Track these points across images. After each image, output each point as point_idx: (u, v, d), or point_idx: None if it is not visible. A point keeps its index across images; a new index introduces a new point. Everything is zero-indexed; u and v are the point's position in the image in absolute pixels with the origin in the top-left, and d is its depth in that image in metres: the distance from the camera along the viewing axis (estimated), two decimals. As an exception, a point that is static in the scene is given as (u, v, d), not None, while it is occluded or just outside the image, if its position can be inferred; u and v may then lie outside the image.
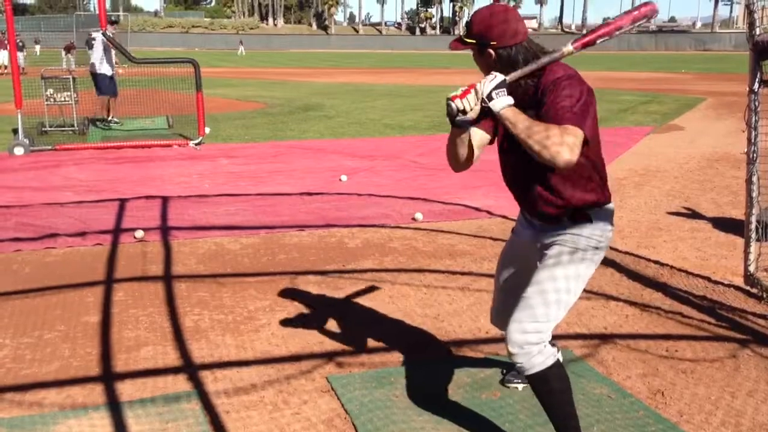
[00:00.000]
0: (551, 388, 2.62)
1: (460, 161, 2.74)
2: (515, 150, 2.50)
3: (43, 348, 3.80)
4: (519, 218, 2.95)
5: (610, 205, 2.71)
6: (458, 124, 2.55)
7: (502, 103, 2.40)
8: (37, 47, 33.83)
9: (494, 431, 2.99)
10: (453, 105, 2.44)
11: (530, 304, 2.60)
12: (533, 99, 2.50)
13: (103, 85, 12.67)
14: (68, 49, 23.53)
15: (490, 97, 2.40)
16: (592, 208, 2.63)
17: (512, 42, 2.55)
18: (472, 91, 2.43)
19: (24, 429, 2.99)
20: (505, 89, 2.42)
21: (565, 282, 2.61)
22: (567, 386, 2.64)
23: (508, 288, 2.97)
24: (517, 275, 2.90)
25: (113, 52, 12.42)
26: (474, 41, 2.60)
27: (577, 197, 2.60)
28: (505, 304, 2.92)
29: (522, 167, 2.61)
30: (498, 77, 2.43)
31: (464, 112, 2.45)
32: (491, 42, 2.55)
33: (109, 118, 13.00)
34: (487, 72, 2.57)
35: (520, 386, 3.34)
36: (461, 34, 2.69)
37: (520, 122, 2.37)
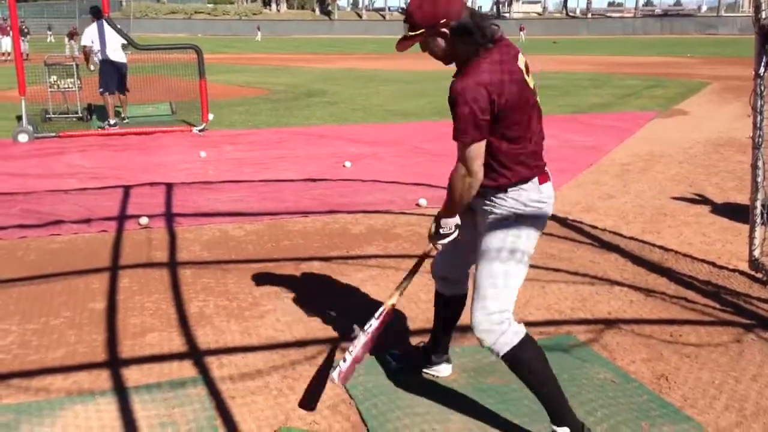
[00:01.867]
0: (524, 365, 2.69)
1: None
2: None
3: (49, 334, 3.82)
4: None
5: (534, 180, 2.72)
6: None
7: (449, 226, 2.84)
8: (50, 33, 33.81)
9: (498, 416, 3.00)
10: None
11: (482, 285, 2.70)
12: None
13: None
14: (71, 35, 23.41)
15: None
16: (514, 185, 2.70)
17: (456, 11, 2.56)
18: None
19: (31, 414, 3.01)
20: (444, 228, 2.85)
21: (506, 252, 2.69)
22: (540, 357, 2.70)
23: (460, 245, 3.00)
24: (469, 234, 2.94)
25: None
26: (422, 31, 2.60)
27: (495, 175, 2.71)
28: (453, 260, 3.09)
29: None
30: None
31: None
32: (441, 21, 2.56)
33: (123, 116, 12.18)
34: (441, 55, 2.67)
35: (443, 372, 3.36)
36: (404, 32, 2.67)
37: (445, 206, 2.82)
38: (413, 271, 3.00)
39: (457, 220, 2.84)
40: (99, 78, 11.48)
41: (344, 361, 2.86)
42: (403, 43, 2.68)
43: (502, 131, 2.61)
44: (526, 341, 2.68)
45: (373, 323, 2.93)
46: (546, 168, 2.78)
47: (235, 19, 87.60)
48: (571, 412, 2.73)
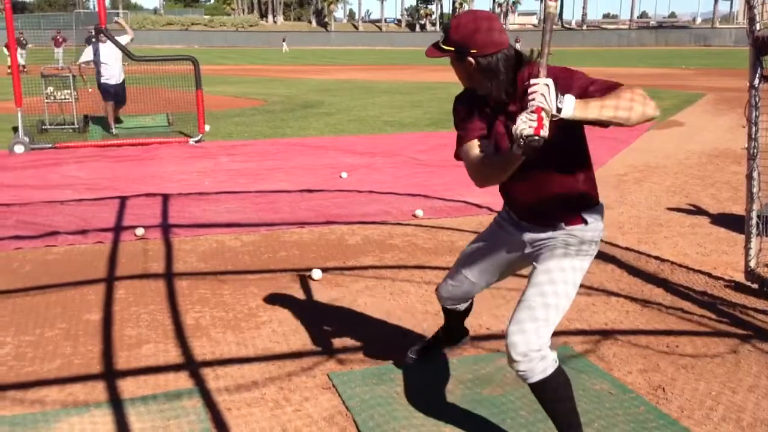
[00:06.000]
0: (553, 395, 2.57)
1: (503, 180, 2.57)
2: (533, 163, 2.38)
3: (44, 346, 3.81)
4: (503, 215, 2.87)
5: (600, 204, 2.69)
6: (534, 150, 2.22)
7: (570, 106, 2.21)
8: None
9: (495, 427, 3.00)
10: (539, 139, 2.16)
11: (532, 307, 2.54)
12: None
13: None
14: (58, 42, 22.99)
15: (558, 110, 2.20)
16: (588, 209, 2.62)
17: (494, 50, 2.46)
18: (543, 113, 2.17)
19: (26, 427, 2.99)
20: (558, 90, 2.23)
21: (563, 285, 2.58)
22: (569, 391, 2.60)
23: (480, 267, 2.94)
24: (493, 260, 2.89)
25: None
26: (452, 48, 2.51)
27: (585, 198, 2.61)
28: (468, 281, 2.99)
29: (539, 176, 2.56)
30: (550, 85, 2.20)
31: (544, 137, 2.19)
32: (472, 50, 2.46)
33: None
34: (464, 79, 2.56)
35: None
36: (439, 40, 2.59)
37: (593, 110, 2.24)
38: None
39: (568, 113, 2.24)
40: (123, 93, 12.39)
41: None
42: (433, 52, 2.59)
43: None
44: (558, 374, 2.56)
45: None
46: None
47: (231, 31, 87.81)
48: None
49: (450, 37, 2.51)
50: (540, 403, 2.62)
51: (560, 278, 2.58)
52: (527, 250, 2.73)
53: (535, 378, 2.51)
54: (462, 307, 3.22)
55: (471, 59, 2.48)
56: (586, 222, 2.61)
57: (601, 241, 2.68)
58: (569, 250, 2.61)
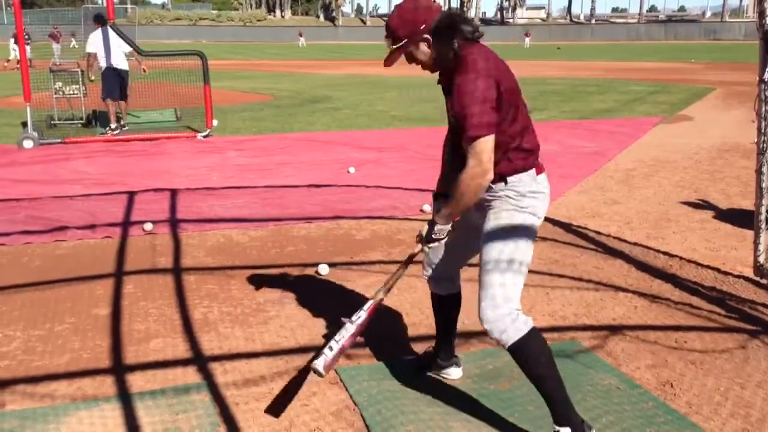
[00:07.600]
0: (529, 357, 2.68)
1: None
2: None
3: (53, 340, 3.83)
4: None
5: (531, 171, 2.76)
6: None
7: (443, 232, 2.81)
8: (73, 40, 33.87)
9: (503, 422, 2.99)
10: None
11: (490, 275, 2.69)
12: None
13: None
14: (55, 37, 22.85)
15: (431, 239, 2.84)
16: (513, 174, 2.73)
17: (434, 16, 2.65)
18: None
19: (36, 421, 3.01)
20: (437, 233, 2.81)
21: (512, 243, 2.70)
22: (545, 352, 2.69)
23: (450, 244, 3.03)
24: (459, 233, 2.97)
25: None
26: (406, 40, 2.67)
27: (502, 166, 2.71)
28: (445, 260, 3.12)
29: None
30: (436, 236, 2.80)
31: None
32: (421, 27, 2.64)
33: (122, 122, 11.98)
34: (429, 64, 2.73)
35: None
36: (387, 46, 2.74)
37: (451, 210, 2.73)
38: (400, 270, 3.01)
39: (449, 226, 2.83)
40: (102, 84, 11.54)
41: (330, 350, 2.83)
42: (390, 58, 2.75)
43: (506, 119, 2.65)
44: (533, 335, 2.68)
45: (362, 315, 2.91)
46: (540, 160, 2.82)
47: (239, 26, 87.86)
48: (574, 412, 2.72)
49: (396, 33, 2.68)
50: (520, 368, 2.72)
51: (503, 237, 2.71)
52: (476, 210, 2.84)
53: (509, 342, 2.65)
54: (449, 290, 3.24)
55: (427, 36, 2.66)
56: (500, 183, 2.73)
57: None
58: (505, 209, 2.74)
